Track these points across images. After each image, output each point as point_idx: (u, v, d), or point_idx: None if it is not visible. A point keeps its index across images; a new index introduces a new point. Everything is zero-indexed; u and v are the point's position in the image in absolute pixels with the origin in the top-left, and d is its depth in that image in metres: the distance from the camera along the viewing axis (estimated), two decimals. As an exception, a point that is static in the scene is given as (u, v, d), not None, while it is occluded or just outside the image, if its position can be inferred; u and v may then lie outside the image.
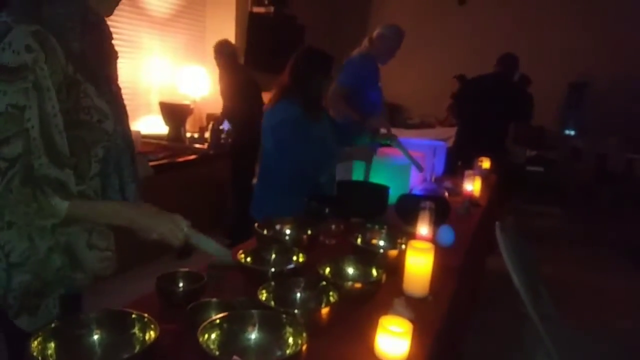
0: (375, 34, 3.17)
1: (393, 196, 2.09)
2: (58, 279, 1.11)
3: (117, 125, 1.16)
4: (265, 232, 1.62)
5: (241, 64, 4.44)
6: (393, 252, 1.47)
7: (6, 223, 1.03)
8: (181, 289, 1.24)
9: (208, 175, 4.11)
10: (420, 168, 2.44)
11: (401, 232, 1.66)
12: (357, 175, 2.37)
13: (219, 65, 4.04)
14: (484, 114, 3.95)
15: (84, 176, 1.11)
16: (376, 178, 2.26)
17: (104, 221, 1.12)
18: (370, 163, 2.28)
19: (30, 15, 0.99)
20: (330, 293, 1.15)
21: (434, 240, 1.69)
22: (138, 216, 1.09)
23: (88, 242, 1.13)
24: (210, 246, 1.19)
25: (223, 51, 4.02)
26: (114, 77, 1.20)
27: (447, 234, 1.77)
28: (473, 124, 4.00)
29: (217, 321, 0.97)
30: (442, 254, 1.53)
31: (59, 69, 1.01)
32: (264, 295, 1.13)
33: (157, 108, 4.23)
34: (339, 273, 1.36)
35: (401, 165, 2.41)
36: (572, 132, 6.91)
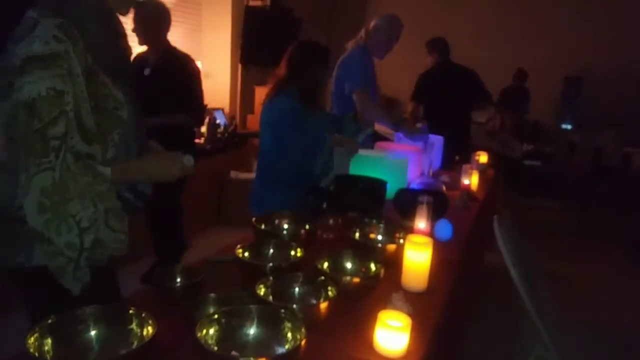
0: (370, 25, 3.04)
1: (391, 190, 2.09)
2: (90, 252, 1.18)
3: (130, 115, 1.26)
4: (263, 226, 1.61)
5: None
6: (391, 247, 1.47)
7: (72, 195, 1.11)
8: (179, 284, 1.24)
9: (205, 169, 4.10)
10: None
11: (399, 226, 1.66)
12: (363, 170, 2.29)
13: None
14: (446, 107, 3.80)
15: (102, 158, 1.21)
16: (374, 172, 2.25)
17: (134, 180, 1.28)
18: (354, 155, 2.28)
19: (54, 11, 1.10)
20: (329, 288, 1.15)
21: (432, 234, 1.69)
22: (154, 168, 1.27)
23: (106, 221, 1.20)
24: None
25: None
26: (128, 71, 1.31)
27: (445, 228, 1.77)
28: (436, 119, 3.64)
29: (216, 316, 0.96)
30: (440, 248, 1.53)
31: (82, 59, 1.12)
32: (262, 290, 1.13)
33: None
34: (337, 268, 1.36)
35: (399, 160, 2.40)
36: (569, 126, 6.93)
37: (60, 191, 1.09)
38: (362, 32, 3.04)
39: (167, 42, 2.89)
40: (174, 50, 2.91)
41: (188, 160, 1.29)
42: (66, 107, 1.09)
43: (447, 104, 3.76)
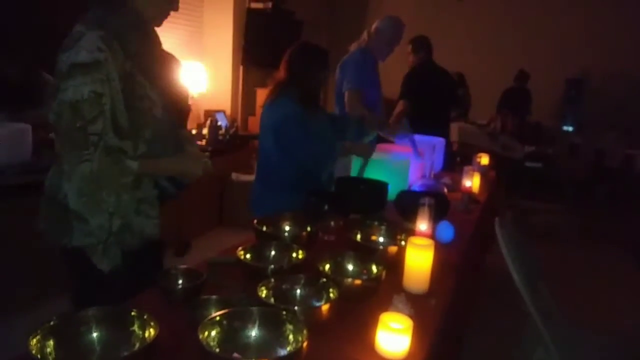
0: (373, 27, 3.08)
1: (392, 192, 2.09)
2: (121, 235, 1.36)
3: (164, 114, 1.41)
4: (264, 228, 1.61)
5: None
6: (393, 249, 1.47)
7: (104, 183, 1.29)
8: (181, 286, 1.24)
9: (206, 171, 4.11)
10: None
11: (400, 228, 1.66)
12: (354, 170, 2.35)
13: None
14: (433, 106, 3.73)
15: (133, 153, 1.36)
16: (375, 174, 2.25)
17: (161, 174, 1.46)
18: (369, 158, 2.26)
19: (97, 25, 1.26)
20: (330, 290, 1.15)
21: (433, 236, 1.68)
22: (178, 167, 1.46)
23: (136, 209, 1.39)
24: None
25: None
26: (166, 75, 1.49)
27: (446, 230, 1.77)
28: (422, 118, 3.47)
29: (217, 318, 0.96)
30: (442, 250, 1.53)
31: (120, 65, 1.27)
32: (263, 292, 1.12)
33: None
34: (338, 269, 1.36)
35: (400, 162, 2.41)
36: (570, 128, 6.93)
37: (96, 180, 1.27)
38: (365, 34, 3.08)
39: None
40: None
41: (207, 163, 1.49)
42: (104, 108, 1.25)
43: (434, 104, 3.73)
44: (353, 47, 3.12)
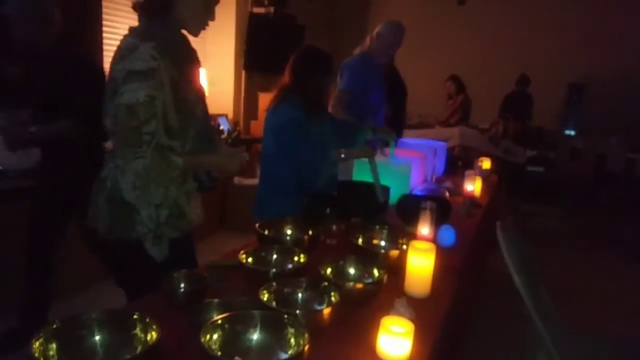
0: (374, 31, 3.10)
1: (394, 196, 2.09)
2: (170, 225, 1.50)
3: (203, 114, 1.59)
4: (266, 232, 1.62)
5: None
6: (394, 253, 1.47)
7: (153, 178, 1.44)
8: (183, 290, 1.24)
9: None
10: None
11: (402, 232, 1.66)
12: (365, 176, 2.23)
13: None
14: (390, 102, 3.62)
15: (182, 150, 1.51)
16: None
17: (202, 169, 1.66)
18: (373, 158, 2.15)
19: (148, 36, 1.40)
20: (332, 293, 1.15)
21: (435, 240, 1.69)
22: (218, 163, 1.63)
23: (182, 201, 1.54)
24: None
25: None
26: (199, 80, 1.60)
27: (448, 234, 1.77)
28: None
29: (219, 322, 0.96)
30: (443, 254, 1.53)
31: (169, 72, 1.41)
32: (265, 296, 1.13)
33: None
34: (340, 273, 1.36)
35: (402, 166, 2.41)
36: (572, 132, 6.93)
37: (148, 174, 1.41)
38: (367, 39, 3.11)
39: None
40: None
41: (244, 157, 1.61)
42: (157, 110, 1.39)
43: (392, 100, 3.73)
44: (356, 51, 3.15)
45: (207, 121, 1.67)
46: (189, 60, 1.55)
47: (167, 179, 1.48)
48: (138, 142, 1.37)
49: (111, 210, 1.48)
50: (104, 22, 3.62)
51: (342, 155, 2.15)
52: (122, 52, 1.40)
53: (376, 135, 2.43)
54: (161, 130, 1.42)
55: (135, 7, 1.48)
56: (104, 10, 3.61)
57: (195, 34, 1.55)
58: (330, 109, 2.84)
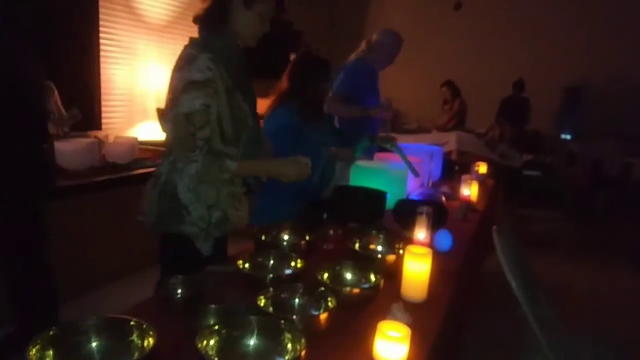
0: (373, 39, 3.11)
1: (390, 201, 2.09)
2: (217, 226, 1.61)
3: (253, 122, 1.67)
4: (263, 237, 1.62)
5: None
6: (391, 257, 1.47)
7: (205, 180, 1.54)
8: (180, 295, 1.24)
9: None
10: (416, 173, 2.43)
11: (399, 237, 1.67)
12: (362, 181, 2.30)
13: None
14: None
15: (236, 156, 1.61)
16: (373, 183, 2.26)
17: (258, 174, 1.71)
18: (350, 163, 2.29)
19: (206, 48, 1.50)
20: (329, 298, 1.16)
21: (431, 245, 1.69)
22: (275, 169, 1.64)
23: (231, 203, 1.64)
24: None
25: None
26: (251, 89, 1.68)
27: (444, 239, 1.78)
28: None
29: (216, 327, 0.97)
30: (440, 259, 1.54)
31: (224, 82, 1.51)
32: (262, 301, 1.13)
33: (154, 114, 4.22)
34: (337, 278, 1.36)
35: (398, 171, 2.41)
36: (569, 136, 6.95)
37: (200, 177, 1.52)
38: (364, 45, 3.11)
39: None
40: None
41: (307, 163, 1.63)
42: (211, 118, 1.49)
43: None
44: (352, 57, 3.17)
45: (258, 128, 1.74)
46: (243, 69, 1.63)
47: (219, 181, 1.57)
48: (193, 147, 1.48)
49: (160, 203, 1.59)
50: (101, 23, 3.62)
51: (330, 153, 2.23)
52: (182, 62, 1.50)
53: (374, 144, 2.45)
54: (216, 137, 1.53)
55: (195, 20, 1.58)
56: (101, 10, 3.61)
57: (252, 45, 1.63)
58: (328, 110, 2.85)
